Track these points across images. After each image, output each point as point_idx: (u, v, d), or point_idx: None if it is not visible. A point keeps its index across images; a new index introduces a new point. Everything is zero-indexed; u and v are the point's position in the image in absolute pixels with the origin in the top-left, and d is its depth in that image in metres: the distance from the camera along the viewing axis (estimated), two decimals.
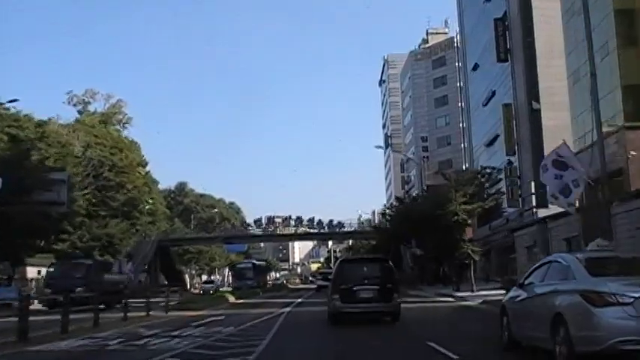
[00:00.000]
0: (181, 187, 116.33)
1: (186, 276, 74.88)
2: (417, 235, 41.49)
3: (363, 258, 23.18)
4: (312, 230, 65.18)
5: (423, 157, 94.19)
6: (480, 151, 52.91)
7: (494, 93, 46.95)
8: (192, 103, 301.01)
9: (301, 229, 64.56)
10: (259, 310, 24.42)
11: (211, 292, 52.14)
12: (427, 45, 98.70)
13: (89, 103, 68.83)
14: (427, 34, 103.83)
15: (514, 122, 41.04)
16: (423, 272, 51.09)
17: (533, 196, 37.16)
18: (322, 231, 65.09)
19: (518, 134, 40.86)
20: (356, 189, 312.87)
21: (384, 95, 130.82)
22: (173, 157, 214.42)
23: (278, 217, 64.55)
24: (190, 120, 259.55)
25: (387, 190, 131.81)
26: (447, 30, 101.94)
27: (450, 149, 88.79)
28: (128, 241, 54.07)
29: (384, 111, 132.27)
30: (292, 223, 62.59)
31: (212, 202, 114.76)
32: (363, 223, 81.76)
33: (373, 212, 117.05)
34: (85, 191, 53.38)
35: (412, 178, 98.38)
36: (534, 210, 37.36)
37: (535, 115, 37.74)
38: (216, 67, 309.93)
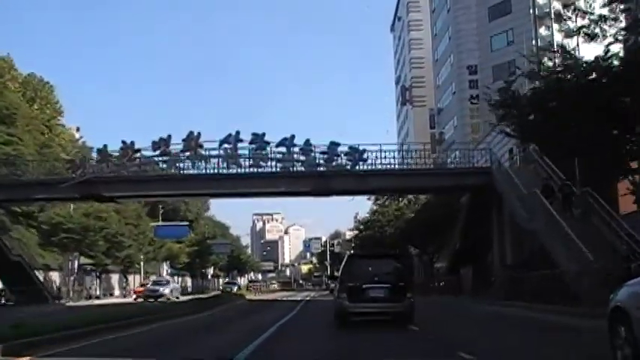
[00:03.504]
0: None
1: (58, 274, 42.06)
2: None
3: (373, 254, 21.01)
4: (284, 166, 28.85)
5: (471, 97, 62.39)
6: None
7: None
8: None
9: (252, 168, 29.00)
10: None
11: None
12: None
13: None
14: None
15: None
16: None
17: None
18: (315, 169, 28.81)
19: None
20: None
21: (399, 39, 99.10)
22: None
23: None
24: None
25: None
26: None
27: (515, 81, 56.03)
28: None
29: (399, 60, 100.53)
30: (241, 151, 28.75)
31: None
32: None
33: None
34: None
35: (450, 131, 66.09)
36: None
37: None
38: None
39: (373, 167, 28.20)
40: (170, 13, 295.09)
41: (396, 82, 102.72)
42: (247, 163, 28.95)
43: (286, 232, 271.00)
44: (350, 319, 14.61)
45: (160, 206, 58.56)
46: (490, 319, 19.35)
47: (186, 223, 58.37)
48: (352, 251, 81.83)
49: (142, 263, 51.90)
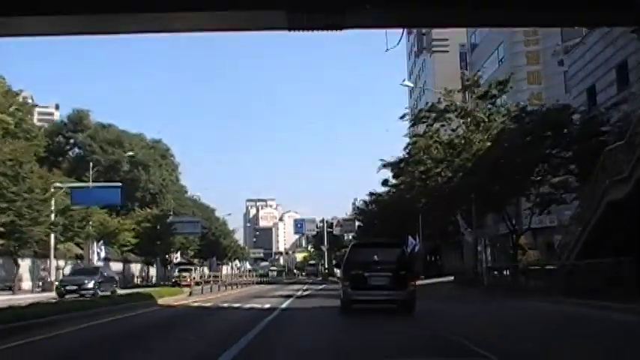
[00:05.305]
0: (78, 118, 68.31)
1: None
2: None
3: (375, 242, 20.73)
4: None
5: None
6: None
7: None
8: None
9: None
10: None
11: None
12: None
13: None
14: None
15: None
16: None
17: None
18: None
19: None
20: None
21: None
22: None
23: None
24: None
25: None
26: None
27: None
28: None
29: None
30: None
31: (119, 137, 66.59)
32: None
33: None
34: None
35: (491, 69, 48.84)
36: None
37: None
38: None
39: None
40: None
41: (408, 32, 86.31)
42: None
43: (281, 219, 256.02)
44: (353, 306, 15.27)
45: (91, 163, 41.59)
46: None
47: (119, 184, 40.76)
48: (357, 235, 67.22)
49: (52, 241, 34.89)
